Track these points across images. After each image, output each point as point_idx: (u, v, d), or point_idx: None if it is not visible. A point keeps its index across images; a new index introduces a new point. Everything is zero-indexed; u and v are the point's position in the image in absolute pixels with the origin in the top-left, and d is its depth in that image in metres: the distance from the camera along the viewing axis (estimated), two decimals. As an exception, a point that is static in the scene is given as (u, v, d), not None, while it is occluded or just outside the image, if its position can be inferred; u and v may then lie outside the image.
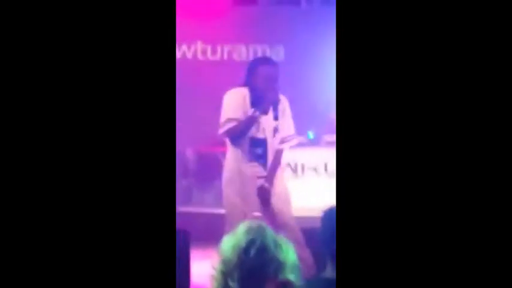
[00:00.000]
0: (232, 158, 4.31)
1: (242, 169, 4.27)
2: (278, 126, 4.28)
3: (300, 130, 7.13)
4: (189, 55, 7.79)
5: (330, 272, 2.25)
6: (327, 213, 2.33)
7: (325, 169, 6.49)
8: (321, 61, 7.33)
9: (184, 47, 7.56)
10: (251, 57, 7.89)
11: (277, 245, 2.02)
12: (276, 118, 4.28)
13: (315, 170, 6.53)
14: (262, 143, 4.28)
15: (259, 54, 7.90)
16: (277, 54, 7.87)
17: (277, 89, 4.20)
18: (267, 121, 4.27)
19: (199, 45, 7.84)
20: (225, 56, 7.93)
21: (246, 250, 1.99)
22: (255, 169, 4.28)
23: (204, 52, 7.89)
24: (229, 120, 4.25)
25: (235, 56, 7.91)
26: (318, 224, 2.44)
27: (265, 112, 4.17)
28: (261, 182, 4.28)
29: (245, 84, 4.26)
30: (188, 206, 5.71)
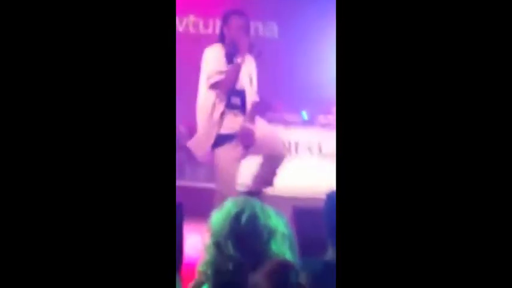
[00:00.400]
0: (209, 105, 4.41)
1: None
2: (252, 76, 4.44)
3: (295, 110, 7.14)
4: (181, 29, 7.74)
5: (330, 255, 2.27)
6: (330, 196, 2.34)
7: (320, 150, 6.50)
8: (316, 39, 7.29)
9: (176, 21, 7.50)
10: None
11: (266, 214, 2.04)
12: (248, 70, 4.45)
13: (309, 149, 6.54)
14: (240, 93, 4.41)
15: (252, 31, 7.87)
16: (271, 31, 7.83)
17: (249, 38, 4.40)
18: (243, 71, 4.41)
19: (191, 19, 7.79)
20: (217, 31, 7.87)
21: (236, 218, 2.01)
22: (237, 117, 4.42)
23: (195, 26, 7.85)
24: (217, 72, 4.36)
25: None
26: (312, 204, 2.45)
27: (243, 61, 4.33)
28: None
29: (220, 39, 4.45)
30: (181, 180, 5.73)
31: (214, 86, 4.40)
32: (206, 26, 7.87)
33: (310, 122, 6.85)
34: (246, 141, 4.42)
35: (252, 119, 4.45)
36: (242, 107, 4.44)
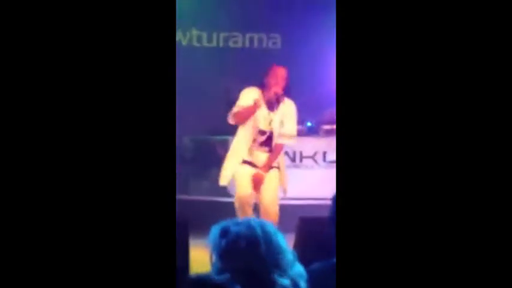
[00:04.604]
0: (238, 141, 4.93)
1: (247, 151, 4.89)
2: (283, 120, 4.92)
3: (298, 119, 7.15)
4: (185, 42, 7.76)
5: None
6: (335, 200, 2.33)
7: (324, 158, 6.50)
8: (319, 50, 7.31)
9: (179, 34, 7.52)
10: (247, 45, 7.89)
11: (264, 228, 2.02)
12: (281, 114, 4.92)
13: (313, 159, 6.54)
14: (266, 133, 4.92)
15: (255, 43, 7.89)
16: (275, 42, 7.85)
17: (283, 86, 4.88)
18: (273, 116, 4.89)
19: (194, 32, 7.82)
20: (221, 44, 7.90)
21: (229, 232, 2.00)
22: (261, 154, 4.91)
23: (199, 39, 7.87)
24: (237, 106, 4.87)
25: (230, 44, 7.88)
26: (316, 213, 2.44)
27: (271, 104, 4.84)
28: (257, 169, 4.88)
29: (261, 85, 4.92)
30: (185, 194, 5.73)
31: (232, 117, 4.88)
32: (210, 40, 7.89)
33: (314, 131, 6.85)
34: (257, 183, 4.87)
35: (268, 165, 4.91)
36: (267, 144, 4.93)
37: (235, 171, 4.87)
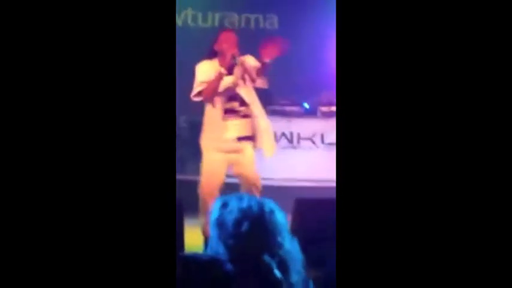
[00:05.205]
0: (209, 116, 4.69)
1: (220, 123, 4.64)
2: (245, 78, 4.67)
3: (296, 101, 7.15)
4: (180, 22, 7.74)
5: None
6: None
7: (322, 140, 6.51)
8: (317, 31, 7.29)
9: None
10: (243, 26, 7.86)
11: (265, 206, 2.02)
12: (242, 75, 4.67)
13: (312, 140, 6.54)
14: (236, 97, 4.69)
15: (252, 23, 7.86)
16: (271, 23, 7.84)
17: (236, 47, 4.65)
18: (234, 78, 4.67)
19: (189, 12, 7.79)
20: (216, 24, 7.87)
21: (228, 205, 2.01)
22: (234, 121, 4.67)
23: (194, 19, 7.84)
24: (199, 83, 4.67)
25: (226, 24, 7.84)
26: (313, 194, 2.44)
27: (230, 68, 4.61)
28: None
29: (211, 54, 4.72)
30: (181, 174, 5.74)
31: (197, 96, 4.69)
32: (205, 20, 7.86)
33: (312, 113, 6.85)
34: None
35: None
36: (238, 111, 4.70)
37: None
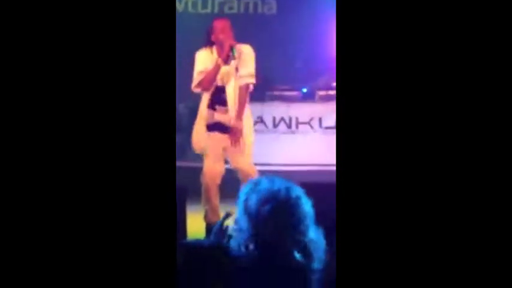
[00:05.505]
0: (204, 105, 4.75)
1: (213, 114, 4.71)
2: (239, 64, 4.68)
3: (294, 86, 7.14)
4: (180, 8, 7.72)
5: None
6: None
7: (320, 124, 6.50)
8: (315, 16, 7.27)
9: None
10: (242, 11, 7.85)
11: (292, 192, 2.03)
12: (236, 67, 4.69)
13: (309, 124, 6.54)
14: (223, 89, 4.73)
15: (251, 8, 7.84)
16: (270, 8, 7.82)
17: (232, 36, 4.66)
18: (229, 68, 4.69)
19: None
20: (216, 10, 7.86)
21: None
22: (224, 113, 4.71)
23: (194, 5, 7.83)
24: (198, 73, 4.69)
25: (226, 9, 7.84)
26: (312, 178, 2.45)
27: (227, 58, 4.63)
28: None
29: (208, 43, 4.74)
30: (182, 161, 5.74)
31: (197, 87, 4.73)
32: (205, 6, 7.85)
33: (310, 97, 6.85)
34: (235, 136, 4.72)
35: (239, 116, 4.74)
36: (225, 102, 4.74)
37: (204, 140, 4.72)
